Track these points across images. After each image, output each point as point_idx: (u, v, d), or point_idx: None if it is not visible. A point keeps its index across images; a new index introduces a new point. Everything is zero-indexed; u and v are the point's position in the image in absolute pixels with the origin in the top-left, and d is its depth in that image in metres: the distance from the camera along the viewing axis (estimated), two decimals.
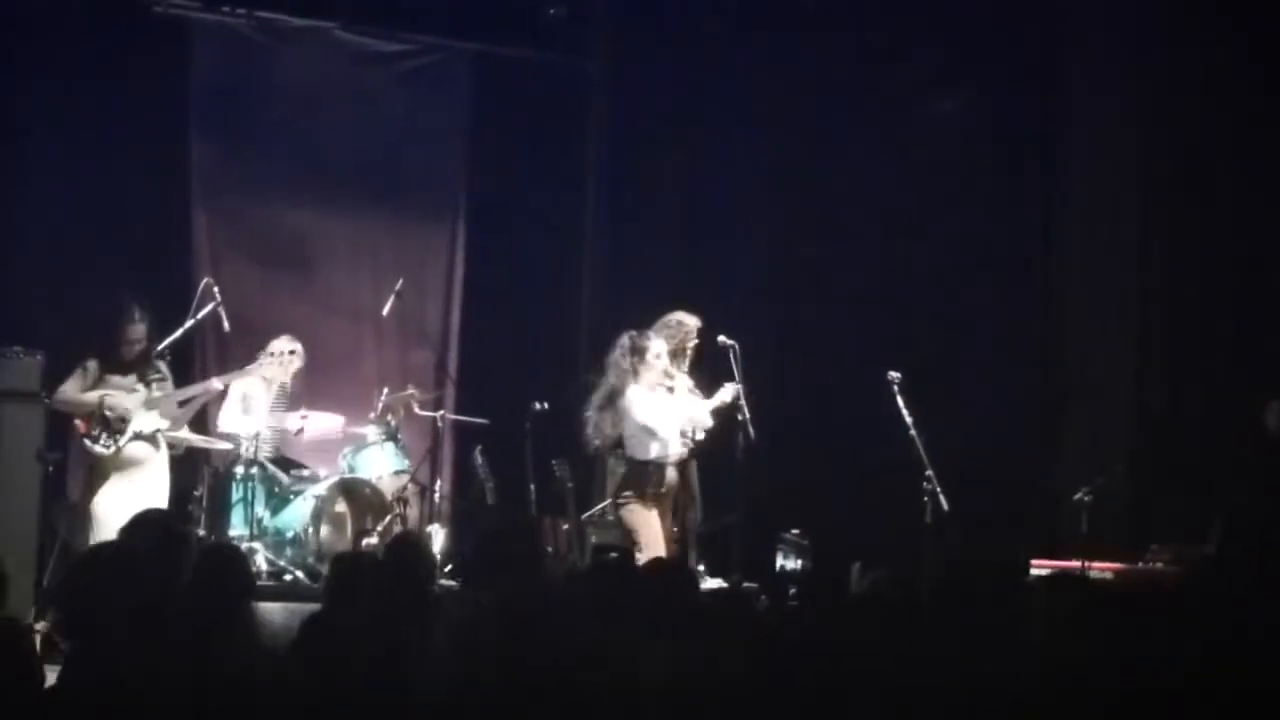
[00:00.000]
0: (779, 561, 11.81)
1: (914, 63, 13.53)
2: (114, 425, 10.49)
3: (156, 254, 12.69)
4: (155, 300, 11.07)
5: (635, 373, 10.76)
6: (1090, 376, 12.86)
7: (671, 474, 10.79)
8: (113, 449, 10.47)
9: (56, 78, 12.56)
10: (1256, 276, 12.21)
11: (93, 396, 10.51)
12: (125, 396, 10.55)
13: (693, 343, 11.36)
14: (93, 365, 10.56)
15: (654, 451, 10.72)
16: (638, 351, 10.79)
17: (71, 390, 10.53)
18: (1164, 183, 12.66)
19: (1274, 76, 11.82)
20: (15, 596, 6.71)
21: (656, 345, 10.83)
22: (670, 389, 10.93)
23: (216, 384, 11.18)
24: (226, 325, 11.51)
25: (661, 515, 10.69)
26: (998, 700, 4.41)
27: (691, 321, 11.41)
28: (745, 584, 11.11)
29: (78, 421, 10.54)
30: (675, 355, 11.20)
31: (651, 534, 10.56)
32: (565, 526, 11.94)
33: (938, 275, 13.44)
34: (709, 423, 11.00)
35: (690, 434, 10.94)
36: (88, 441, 10.48)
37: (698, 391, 11.12)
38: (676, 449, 10.84)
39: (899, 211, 13.53)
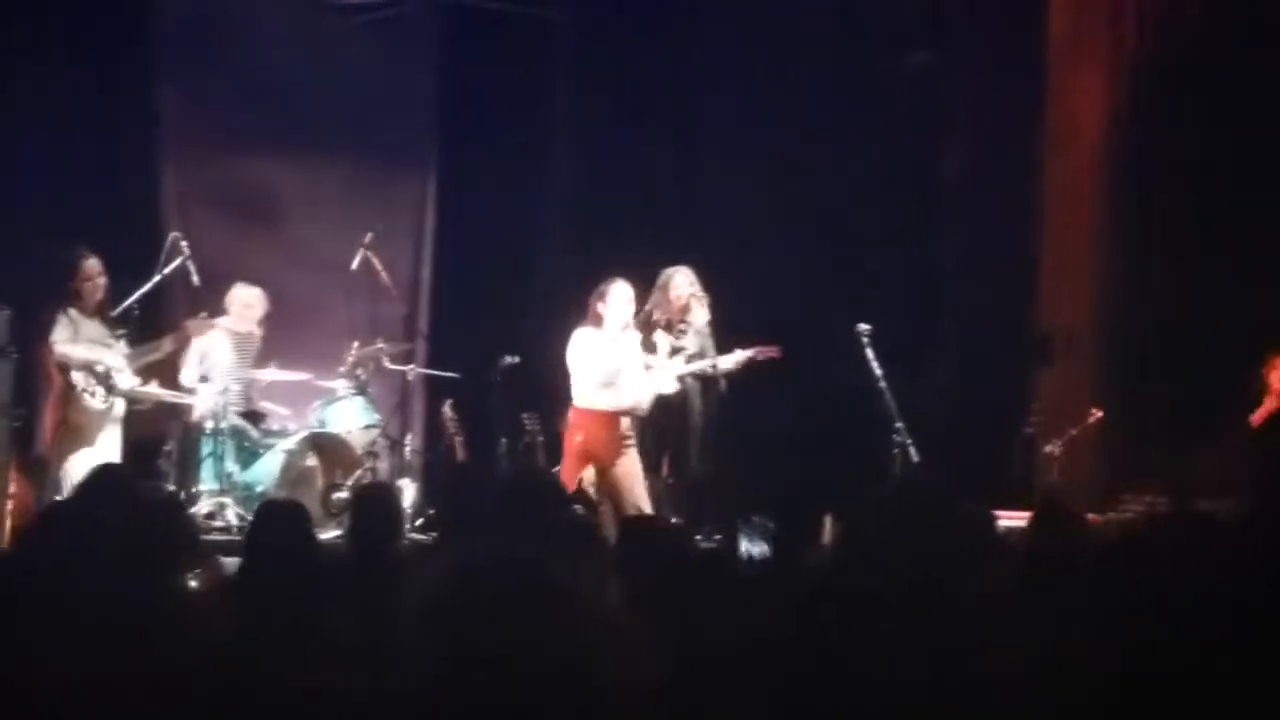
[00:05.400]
0: (742, 546, 11.70)
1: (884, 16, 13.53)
2: (106, 380, 10.42)
3: (123, 207, 12.57)
4: (123, 254, 11.02)
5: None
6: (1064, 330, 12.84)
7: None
8: (108, 404, 10.41)
9: (16, 29, 12.39)
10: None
11: (90, 350, 10.43)
12: (107, 351, 10.49)
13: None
14: (73, 313, 10.47)
15: None
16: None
17: (68, 341, 10.42)
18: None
19: None
20: None
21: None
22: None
23: (168, 344, 11.12)
24: (196, 279, 11.49)
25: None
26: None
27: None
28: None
29: (69, 375, 10.41)
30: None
31: None
32: None
33: (911, 226, 13.46)
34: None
35: None
36: (87, 396, 10.39)
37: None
38: None
39: (870, 164, 13.52)
